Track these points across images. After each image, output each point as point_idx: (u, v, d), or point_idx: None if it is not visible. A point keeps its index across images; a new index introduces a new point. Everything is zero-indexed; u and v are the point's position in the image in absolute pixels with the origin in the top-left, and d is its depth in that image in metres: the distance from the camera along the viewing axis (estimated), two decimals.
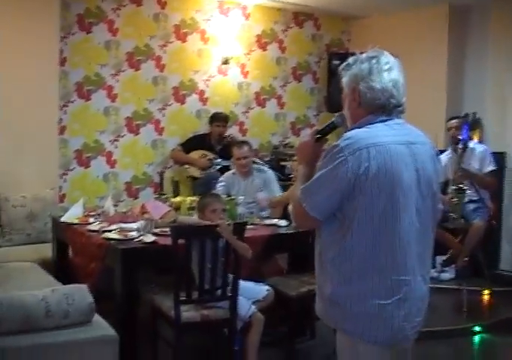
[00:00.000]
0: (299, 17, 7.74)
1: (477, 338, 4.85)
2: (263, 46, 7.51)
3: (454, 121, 5.94)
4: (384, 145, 2.13)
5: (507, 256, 6.30)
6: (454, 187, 5.47)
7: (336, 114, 2.39)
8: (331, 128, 2.39)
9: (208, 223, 3.82)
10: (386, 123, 2.22)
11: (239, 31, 7.30)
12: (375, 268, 2.14)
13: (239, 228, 3.78)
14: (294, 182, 4.94)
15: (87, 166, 6.45)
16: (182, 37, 6.94)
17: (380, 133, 2.17)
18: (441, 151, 6.00)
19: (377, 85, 2.21)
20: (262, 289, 4.01)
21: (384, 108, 2.23)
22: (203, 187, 5.91)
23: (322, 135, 2.38)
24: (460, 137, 5.79)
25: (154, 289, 4.04)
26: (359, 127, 2.22)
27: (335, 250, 2.18)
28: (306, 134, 2.41)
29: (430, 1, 6.80)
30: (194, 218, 4.13)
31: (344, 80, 2.31)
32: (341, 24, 8.08)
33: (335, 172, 2.11)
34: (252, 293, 3.92)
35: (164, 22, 6.81)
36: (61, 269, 4.69)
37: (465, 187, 5.48)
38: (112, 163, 6.60)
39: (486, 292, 5.71)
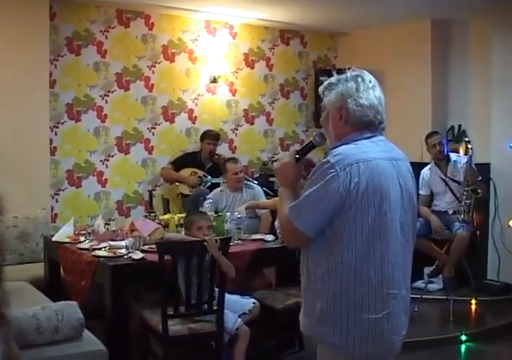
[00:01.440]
0: (286, 35, 7.86)
1: (463, 347, 4.90)
2: (250, 64, 7.62)
3: (435, 137, 6.03)
4: (372, 161, 2.17)
5: (493, 266, 6.36)
6: (470, 188, 5.67)
7: (314, 133, 2.42)
8: (310, 148, 2.40)
9: (194, 239, 3.90)
10: (371, 140, 2.25)
11: (227, 49, 7.41)
12: (365, 283, 2.15)
13: (225, 243, 3.86)
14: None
15: (78, 185, 6.52)
16: (170, 57, 7.03)
17: (368, 150, 2.20)
18: (424, 165, 6.16)
19: (365, 102, 2.23)
20: (248, 302, 4.08)
21: (370, 124, 2.25)
22: (192, 204, 5.95)
23: (301, 155, 2.38)
24: (444, 152, 5.97)
25: (143, 304, 4.11)
26: (346, 144, 2.23)
27: (324, 267, 2.18)
28: (285, 155, 2.42)
29: (413, 16, 6.87)
30: (181, 235, 4.21)
31: (328, 99, 2.30)
32: (327, 41, 8.20)
33: (326, 187, 2.12)
34: (238, 306, 3.99)
35: (152, 42, 6.91)
36: (53, 288, 4.74)
37: (478, 189, 5.65)
38: (103, 183, 6.67)
39: (473, 301, 5.76)
